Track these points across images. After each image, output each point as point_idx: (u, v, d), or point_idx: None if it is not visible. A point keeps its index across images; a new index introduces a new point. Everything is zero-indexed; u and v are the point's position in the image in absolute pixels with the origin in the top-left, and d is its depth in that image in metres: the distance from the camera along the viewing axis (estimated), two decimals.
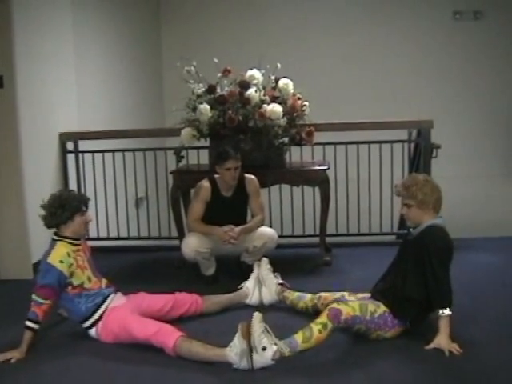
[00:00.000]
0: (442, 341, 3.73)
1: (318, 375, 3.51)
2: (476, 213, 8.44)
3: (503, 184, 9.11)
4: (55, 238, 4.09)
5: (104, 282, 4.21)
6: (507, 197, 8.78)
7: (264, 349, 3.49)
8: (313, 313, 4.27)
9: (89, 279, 4.09)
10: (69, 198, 4.07)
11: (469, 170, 9.18)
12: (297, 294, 4.46)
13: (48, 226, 4.11)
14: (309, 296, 4.39)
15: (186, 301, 4.35)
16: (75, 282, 4.02)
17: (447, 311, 3.78)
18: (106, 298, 4.09)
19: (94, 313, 4.02)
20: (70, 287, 4.01)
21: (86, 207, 4.18)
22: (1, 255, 5.58)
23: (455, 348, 3.69)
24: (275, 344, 3.51)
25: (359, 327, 3.81)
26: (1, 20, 5.31)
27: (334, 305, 3.76)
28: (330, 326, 3.64)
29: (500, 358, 3.65)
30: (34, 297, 3.91)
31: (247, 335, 3.49)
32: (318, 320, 3.65)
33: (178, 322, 4.11)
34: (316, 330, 3.60)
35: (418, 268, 3.87)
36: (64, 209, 4.02)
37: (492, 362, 3.60)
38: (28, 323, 3.88)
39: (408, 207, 3.96)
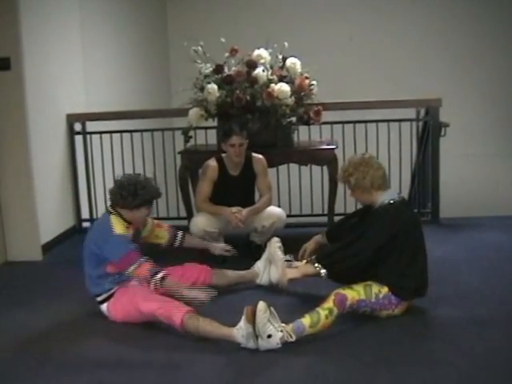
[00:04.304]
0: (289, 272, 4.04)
1: (324, 354, 3.52)
2: (483, 191, 8.43)
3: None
4: (111, 210, 4.08)
5: None
6: None
7: (269, 336, 3.50)
8: None
9: None
10: (145, 189, 4.02)
11: (477, 149, 9.13)
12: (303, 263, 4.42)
13: (112, 202, 4.07)
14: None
15: (195, 270, 4.36)
16: None
17: (323, 271, 3.89)
18: (127, 278, 4.09)
19: (110, 289, 4.04)
20: (110, 264, 4.00)
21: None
22: (10, 237, 5.60)
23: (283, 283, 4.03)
24: (281, 331, 3.52)
25: (365, 310, 3.83)
26: (7, 2, 5.29)
27: (340, 290, 3.77)
28: (335, 311, 3.65)
29: (509, 336, 3.65)
30: (130, 270, 3.91)
31: (252, 320, 3.49)
32: (325, 305, 3.66)
33: None
34: (323, 315, 3.62)
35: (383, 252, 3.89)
36: (136, 197, 3.98)
37: (502, 341, 3.60)
38: (157, 277, 3.88)
39: (351, 191, 4.08)
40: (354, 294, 3.76)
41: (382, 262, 3.87)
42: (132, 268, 3.91)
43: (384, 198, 3.96)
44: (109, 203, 4.13)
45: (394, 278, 3.85)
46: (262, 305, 3.52)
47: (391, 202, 3.95)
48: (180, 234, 4.54)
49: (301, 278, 4.08)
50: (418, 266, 3.93)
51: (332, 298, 3.69)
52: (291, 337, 3.52)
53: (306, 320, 3.59)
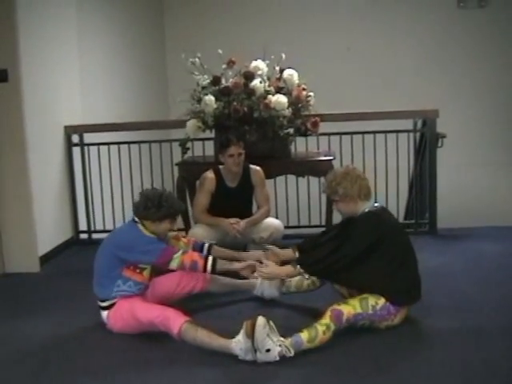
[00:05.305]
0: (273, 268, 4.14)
1: (323, 365, 3.52)
2: (481, 201, 8.44)
3: (508, 173, 9.07)
4: (136, 220, 4.11)
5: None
6: None
7: (268, 350, 3.50)
8: (320, 285, 4.27)
9: (147, 270, 4.13)
10: (168, 201, 4.06)
11: (474, 159, 9.15)
12: (297, 277, 4.34)
13: (136, 214, 4.11)
14: None
15: (191, 278, 4.31)
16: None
17: (303, 270, 3.93)
18: (139, 287, 4.10)
19: (115, 297, 4.02)
20: (128, 268, 4.02)
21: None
22: (7, 248, 5.59)
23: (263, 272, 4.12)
24: (279, 346, 3.51)
25: (363, 323, 3.82)
26: (5, 14, 5.29)
27: (335, 305, 3.76)
28: (332, 327, 3.65)
29: (506, 347, 3.65)
30: (175, 257, 4.01)
31: (251, 334, 3.48)
32: (322, 321, 3.66)
33: (187, 307, 4.09)
34: (321, 331, 3.61)
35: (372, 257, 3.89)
36: (159, 209, 4.02)
37: (498, 351, 3.60)
38: (208, 266, 4.07)
39: (336, 202, 4.07)
40: (350, 308, 3.75)
41: (373, 270, 3.85)
42: (176, 255, 4.02)
43: (366, 207, 4.00)
44: (131, 214, 4.17)
45: (388, 284, 3.84)
46: (261, 320, 3.51)
47: (373, 208, 4.00)
48: (206, 245, 4.46)
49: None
50: (411, 268, 3.95)
51: (328, 313, 3.68)
52: (290, 352, 3.52)
53: (304, 335, 3.59)
